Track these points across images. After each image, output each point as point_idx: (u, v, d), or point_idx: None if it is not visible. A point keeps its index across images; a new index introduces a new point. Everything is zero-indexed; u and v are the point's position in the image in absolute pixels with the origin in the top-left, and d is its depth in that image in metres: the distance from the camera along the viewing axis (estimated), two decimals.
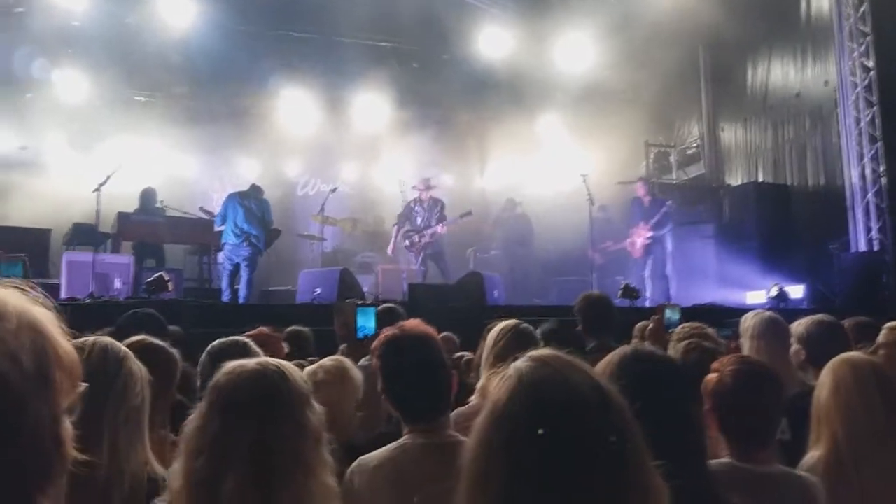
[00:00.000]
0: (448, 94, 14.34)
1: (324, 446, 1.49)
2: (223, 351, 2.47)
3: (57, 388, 0.80)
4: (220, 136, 13.20)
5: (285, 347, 3.35)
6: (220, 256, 9.29)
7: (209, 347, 2.59)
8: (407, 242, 9.92)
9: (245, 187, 9.47)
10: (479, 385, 2.62)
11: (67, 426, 0.83)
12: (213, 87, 13.10)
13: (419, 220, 9.84)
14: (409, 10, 11.78)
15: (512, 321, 2.86)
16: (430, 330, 2.19)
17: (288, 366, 1.53)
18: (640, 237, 9.21)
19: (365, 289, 8.83)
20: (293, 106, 13.46)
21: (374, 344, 2.19)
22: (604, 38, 11.71)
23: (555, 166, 12.73)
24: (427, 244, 9.73)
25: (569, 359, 1.08)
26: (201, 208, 10.58)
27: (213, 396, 1.45)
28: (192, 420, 1.43)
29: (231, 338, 2.70)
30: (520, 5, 12.34)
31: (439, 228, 9.75)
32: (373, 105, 13.98)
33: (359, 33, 12.55)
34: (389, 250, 10.35)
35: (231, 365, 1.49)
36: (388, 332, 2.18)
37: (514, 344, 2.62)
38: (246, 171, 13.33)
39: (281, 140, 13.88)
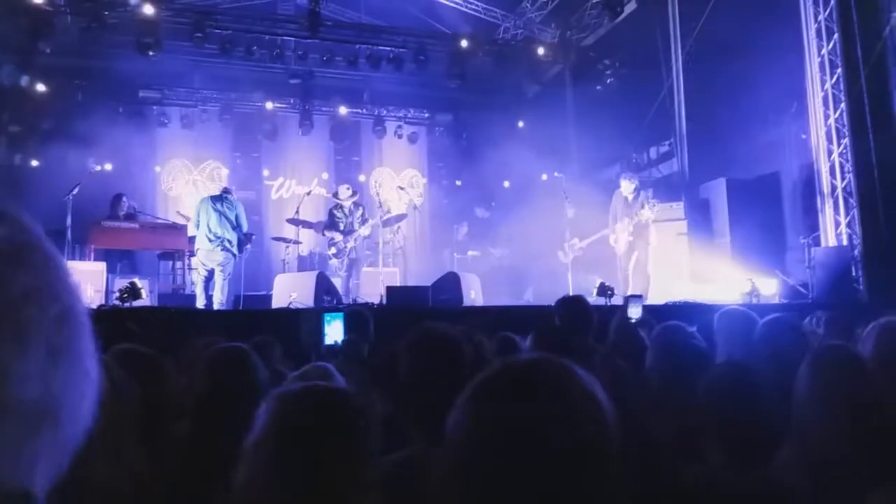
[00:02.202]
0: (426, 97, 14.47)
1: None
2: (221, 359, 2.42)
3: None
4: (192, 140, 13.10)
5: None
6: (194, 262, 9.15)
7: (207, 355, 2.51)
8: (333, 250, 9.59)
9: (217, 191, 9.36)
10: None
11: None
12: (183, 92, 13.01)
13: (342, 225, 9.59)
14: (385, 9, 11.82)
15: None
16: (459, 333, 2.14)
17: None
18: (624, 233, 9.17)
19: (342, 292, 8.77)
20: (267, 109, 13.42)
21: (406, 341, 2.13)
22: (577, 33, 11.78)
23: (530, 166, 12.78)
24: (352, 249, 9.54)
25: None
26: (179, 212, 10.47)
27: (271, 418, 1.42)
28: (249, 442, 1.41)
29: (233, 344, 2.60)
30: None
31: (362, 231, 9.60)
32: (347, 108, 14.03)
33: (332, 35, 12.54)
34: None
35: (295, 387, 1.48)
36: (423, 330, 2.12)
37: None
38: (219, 174, 13.24)
39: (255, 143, 13.82)
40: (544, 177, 12.53)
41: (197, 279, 8.73)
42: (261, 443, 1.39)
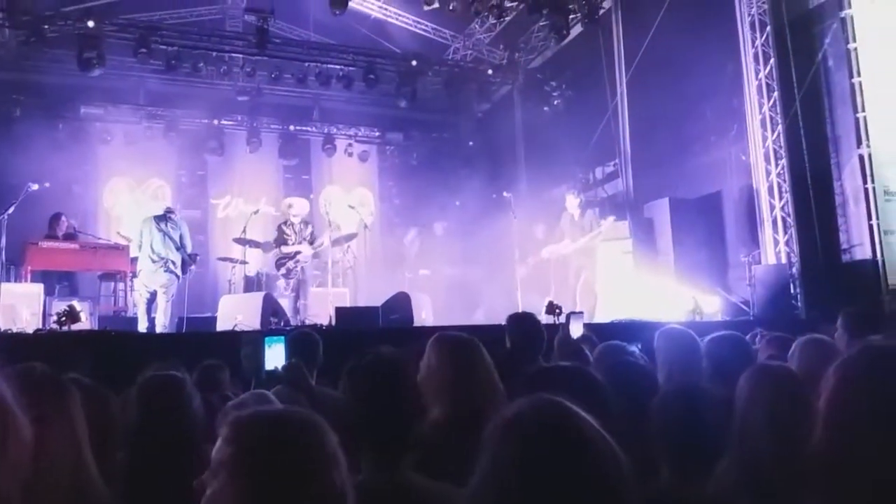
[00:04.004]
0: (376, 116, 14.48)
1: None
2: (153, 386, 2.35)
3: None
4: (135, 157, 12.79)
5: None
6: (136, 283, 8.88)
7: (139, 384, 2.44)
8: (283, 270, 9.37)
9: (160, 211, 9.10)
10: None
11: None
12: (127, 108, 12.73)
13: (290, 243, 9.43)
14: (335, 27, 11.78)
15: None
16: (404, 359, 2.14)
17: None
18: (573, 250, 9.24)
19: (290, 313, 8.64)
20: (214, 125, 13.23)
21: (347, 368, 2.14)
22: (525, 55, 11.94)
23: (480, 185, 12.88)
24: (302, 269, 9.37)
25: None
26: (119, 233, 10.18)
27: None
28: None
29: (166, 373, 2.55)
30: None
31: (307, 250, 9.41)
32: (296, 125, 13.95)
33: (281, 53, 12.46)
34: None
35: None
36: (365, 356, 2.12)
37: None
38: (163, 192, 12.96)
39: (201, 161, 13.59)
40: (494, 195, 12.63)
41: (139, 301, 8.49)
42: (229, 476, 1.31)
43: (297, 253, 9.35)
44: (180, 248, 8.49)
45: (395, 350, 2.17)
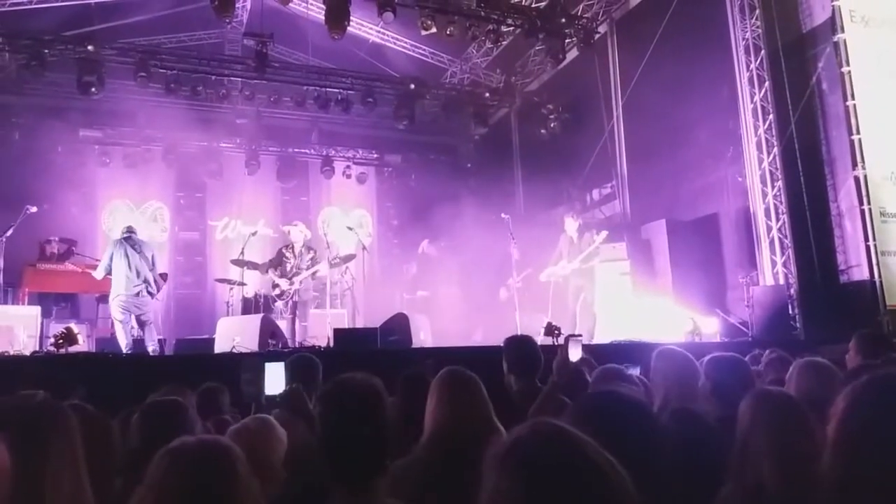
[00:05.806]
0: (374, 138, 14.56)
1: None
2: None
3: None
4: (134, 180, 12.84)
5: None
6: (113, 308, 8.13)
7: (142, 406, 2.44)
8: (276, 291, 9.32)
9: (125, 233, 8.38)
10: None
11: None
12: (126, 131, 12.79)
13: (289, 266, 9.32)
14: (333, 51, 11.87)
15: None
16: (376, 383, 2.07)
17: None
18: (570, 270, 9.20)
19: (288, 335, 8.61)
20: (213, 148, 13.28)
21: (319, 393, 2.13)
22: (522, 79, 12.01)
23: (477, 207, 12.90)
24: (295, 292, 9.23)
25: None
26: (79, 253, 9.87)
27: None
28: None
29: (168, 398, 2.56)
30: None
31: (309, 276, 9.28)
32: (295, 148, 14.01)
33: (280, 76, 12.55)
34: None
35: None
36: (335, 380, 2.07)
37: None
38: (162, 214, 13.00)
39: (199, 183, 13.64)
40: (492, 217, 12.64)
41: (118, 323, 7.95)
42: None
43: (277, 286, 9.27)
44: (153, 268, 8.21)
45: (367, 375, 2.09)
